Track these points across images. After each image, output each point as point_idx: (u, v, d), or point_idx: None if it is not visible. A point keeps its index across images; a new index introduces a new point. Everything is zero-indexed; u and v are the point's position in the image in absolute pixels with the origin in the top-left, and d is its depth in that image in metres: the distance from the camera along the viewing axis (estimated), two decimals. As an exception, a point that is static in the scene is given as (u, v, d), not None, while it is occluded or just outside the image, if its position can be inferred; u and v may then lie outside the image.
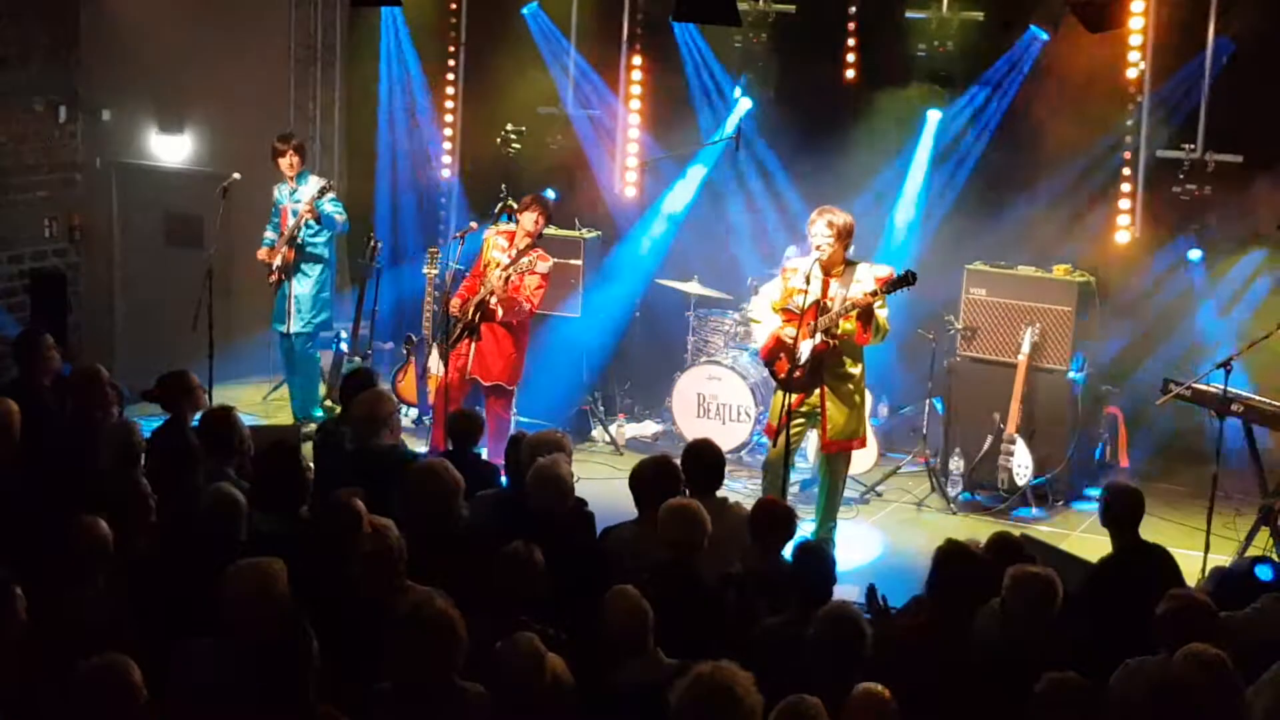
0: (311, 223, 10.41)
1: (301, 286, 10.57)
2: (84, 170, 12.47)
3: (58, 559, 5.43)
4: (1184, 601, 5.45)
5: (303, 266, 10.55)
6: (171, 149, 12.58)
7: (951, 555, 5.65)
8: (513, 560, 5.37)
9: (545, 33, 11.80)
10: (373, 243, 11.24)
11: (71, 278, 12.39)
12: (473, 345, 9.56)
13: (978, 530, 8.23)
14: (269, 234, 10.74)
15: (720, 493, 6.87)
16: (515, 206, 9.92)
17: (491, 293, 9.38)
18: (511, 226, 9.82)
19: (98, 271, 12.63)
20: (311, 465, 7.31)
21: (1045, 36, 10.22)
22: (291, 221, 10.49)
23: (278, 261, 10.54)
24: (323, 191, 10.43)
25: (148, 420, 7.65)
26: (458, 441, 7.39)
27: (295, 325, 10.58)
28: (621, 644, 5.15)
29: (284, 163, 10.53)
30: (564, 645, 5.04)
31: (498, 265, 9.53)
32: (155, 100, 12.48)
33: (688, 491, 6.59)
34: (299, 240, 10.47)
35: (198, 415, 7.43)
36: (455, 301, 9.62)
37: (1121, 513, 6.55)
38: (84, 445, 6.97)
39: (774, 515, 6.40)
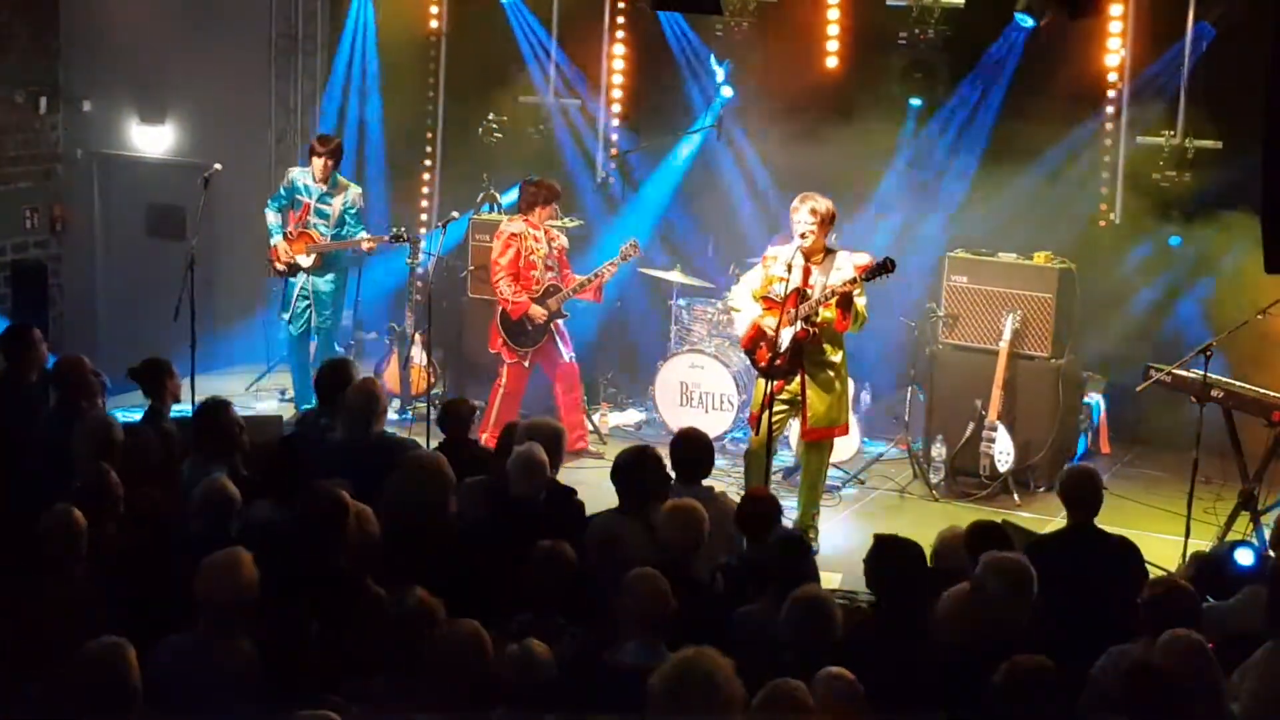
0: (339, 224, 10.31)
1: (322, 284, 10.48)
2: (65, 161, 12.47)
3: (35, 549, 5.43)
4: (1167, 587, 5.47)
5: (324, 265, 10.45)
6: (152, 140, 12.56)
7: (884, 547, 5.65)
8: (544, 558, 5.45)
9: (525, 23, 11.79)
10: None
11: (53, 269, 12.40)
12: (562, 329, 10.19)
13: (960, 517, 8.27)
14: (274, 217, 10.45)
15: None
16: (495, 196, 9.95)
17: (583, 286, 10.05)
18: (527, 216, 10.00)
19: (79, 263, 12.62)
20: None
21: (1030, 24, 10.20)
22: (314, 219, 10.31)
23: (308, 262, 10.34)
24: (355, 200, 10.37)
25: (128, 410, 7.64)
26: (453, 430, 7.36)
27: (316, 321, 10.48)
28: (635, 624, 5.11)
29: (317, 164, 10.30)
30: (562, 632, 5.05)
31: (545, 254, 9.99)
32: (136, 91, 12.46)
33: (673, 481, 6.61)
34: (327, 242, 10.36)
35: (179, 405, 7.42)
36: (539, 310, 9.96)
37: (1071, 495, 6.57)
38: (70, 436, 6.96)
39: (759, 507, 6.46)
